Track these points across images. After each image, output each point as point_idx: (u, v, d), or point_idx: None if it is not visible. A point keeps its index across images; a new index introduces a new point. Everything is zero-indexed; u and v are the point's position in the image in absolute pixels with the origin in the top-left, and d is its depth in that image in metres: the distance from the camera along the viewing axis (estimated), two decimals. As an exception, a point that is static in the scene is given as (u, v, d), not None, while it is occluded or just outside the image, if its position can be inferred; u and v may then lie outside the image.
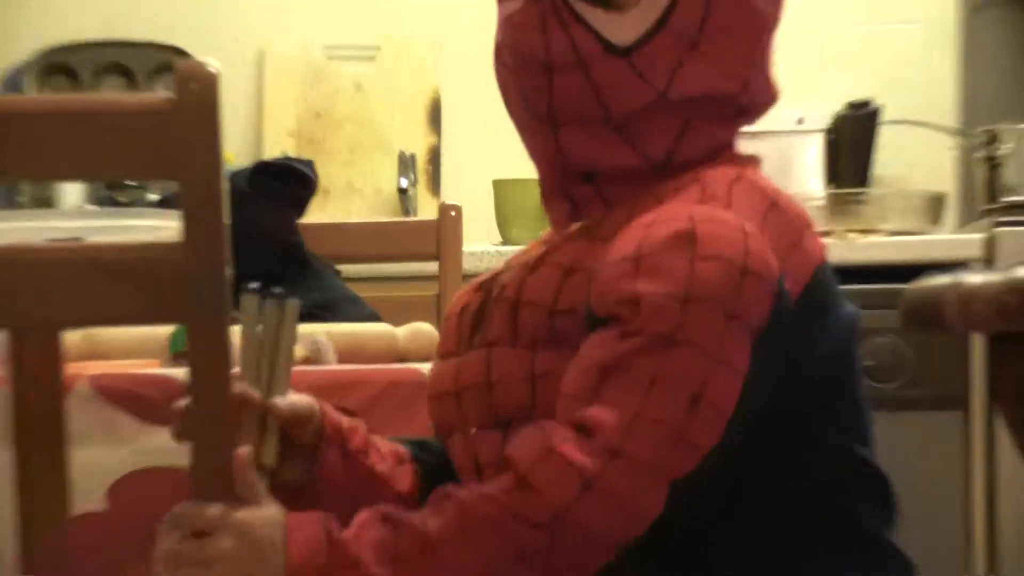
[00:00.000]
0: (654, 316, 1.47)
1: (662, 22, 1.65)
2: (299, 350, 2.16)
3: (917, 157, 4.56)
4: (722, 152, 1.73)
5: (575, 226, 1.71)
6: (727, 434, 1.51)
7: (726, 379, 1.51)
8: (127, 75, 4.55)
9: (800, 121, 4.27)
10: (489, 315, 1.69)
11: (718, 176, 1.65)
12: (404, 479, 1.79)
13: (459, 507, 1.52)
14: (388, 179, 4.56)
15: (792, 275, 1.57)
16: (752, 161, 1.72)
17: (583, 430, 1.50)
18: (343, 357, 2.28)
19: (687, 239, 1.55)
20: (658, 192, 1.66)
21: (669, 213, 1.61)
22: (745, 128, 1.81)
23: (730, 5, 1.67)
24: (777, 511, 1.64)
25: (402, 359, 2.30)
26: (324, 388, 2.03)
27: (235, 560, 1.54)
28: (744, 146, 1.79)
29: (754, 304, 1.50)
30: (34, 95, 4.45)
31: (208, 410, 1.55)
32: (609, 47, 1.65)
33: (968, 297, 1.26)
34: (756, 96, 1.73)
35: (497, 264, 1.89)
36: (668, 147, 1.68)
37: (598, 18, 1.66)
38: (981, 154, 4.37)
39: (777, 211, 1.63)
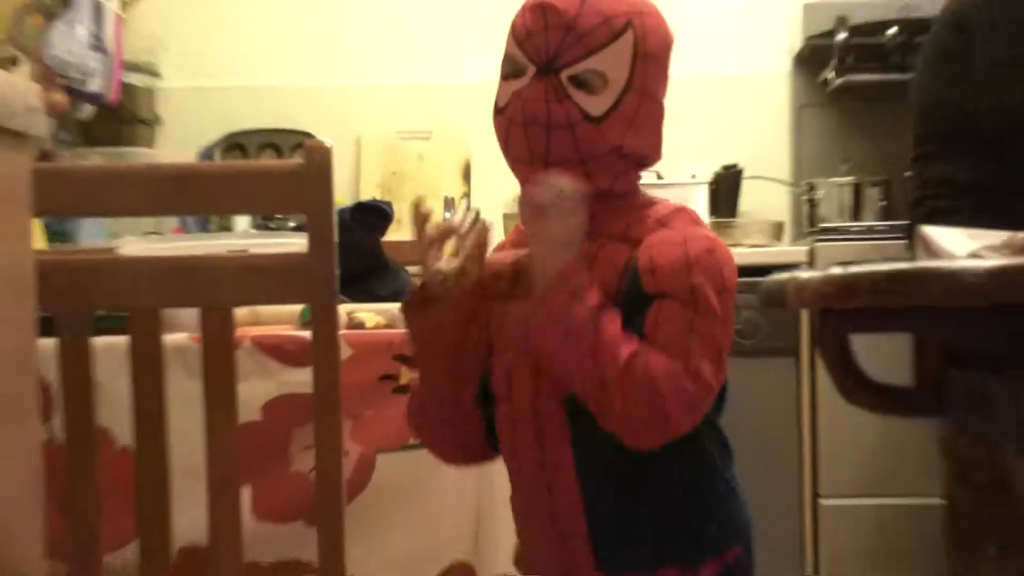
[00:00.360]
0: (707, 299, 1.67)
1: (616, 105, 1.77)
2: (381, 319, 2.36)
3: (766, 199, 4.97)
4: (636, 189, 1.88)
5: None
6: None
7: (730, 344, 1.75)
8: (277, 149, 5.04)
9: (693, 176, 4.56)
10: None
11: (686, 210, 1.85)
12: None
13: (629, 348, 1.68)
14: (437, 212, 4.92)
15: None
16: None
17: (688, 369, 1.67)
18: None
19: (713, 252, 1.74)
20: (642, 216, 1.81)
21: (694, 233, 1.77)
22: (660, 180, 1.97)
23: (649, 100, 1.81)
24: (692, 445, 1.79)
25: None
26: (397, 342, 2.23)
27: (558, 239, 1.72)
28: (659, 192, 1.98)
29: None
30: (219, 162, 4.93)
31: (324, 353, 1.74)
32: (587, 116, 1.76)
33: (800, 287, 1.28)
34: (655, 157, 1.88)
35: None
36: (610, 183, 1.80)
37: (581, 98, 1.76)
38: (805, 197, 4.86)
39: None
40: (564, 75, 1.77)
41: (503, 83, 1.85)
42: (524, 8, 1.82)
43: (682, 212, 1.85)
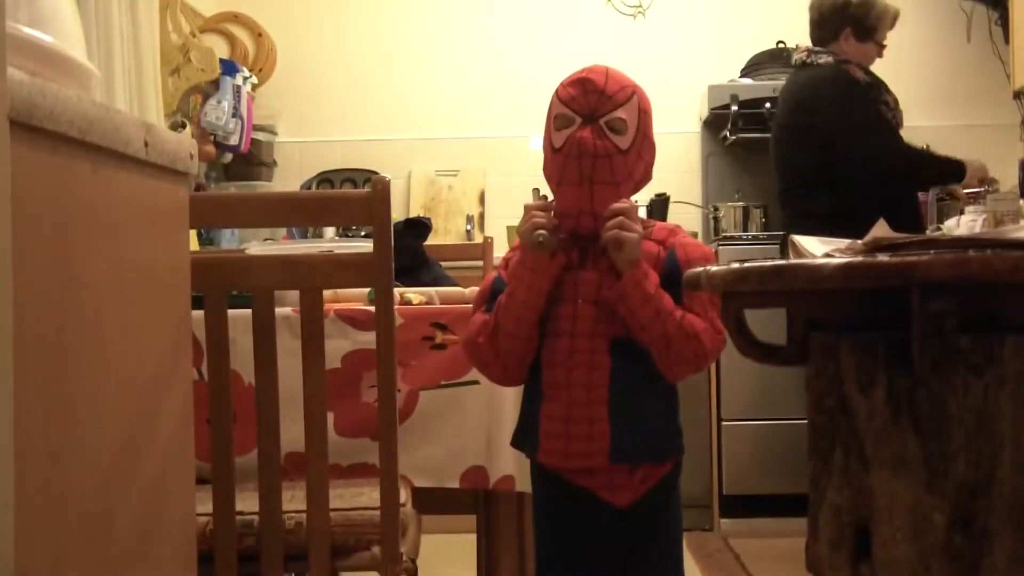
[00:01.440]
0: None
1: (632, 143, 1.85)
2: (423, 298, 2.33)
3: (686, 216, 4.92)
4: None
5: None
6: None
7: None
8: (353, 182, 4.98)
9: (635, 201, 4.44)
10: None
11: (678, 226, 1.98)
12: None
13: (679, 314, 1.79)
14: (461, 225, 4.97)
15: None
16: None
17: (714, 328, 1.80)
18: (442, 301, 2.39)
19: (713, 254, 1.92)
20: (653, 227, 1.93)
21: (699, 242, 1.96)
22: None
23: (649, 142, 1.90)
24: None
25: (467, 302, 2.30)
26: (433, 314, 2.24)
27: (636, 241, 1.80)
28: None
29: None
30: (315, 191, 4.90)
31: (384, 321, 1.73)
32: (619, 150, 1.84)
33: (711, 276, 1.27)
34: (649, 180, 1.96)
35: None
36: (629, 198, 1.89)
37: (613, 137, 1.83)
38: (711, 215, 4.84)
39: None
40: (602, 122, 1.84)
41: (556, 133, 1.87)
42: (566, 83, 1.87)
43: (679, 227, 1.98)
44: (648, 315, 1.79)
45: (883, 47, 3.73)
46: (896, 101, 3.63)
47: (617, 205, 1.81)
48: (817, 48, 3.68)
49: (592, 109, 1.84)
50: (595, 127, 1.83)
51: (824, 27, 3.69)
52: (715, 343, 1.82)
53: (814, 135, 3.57)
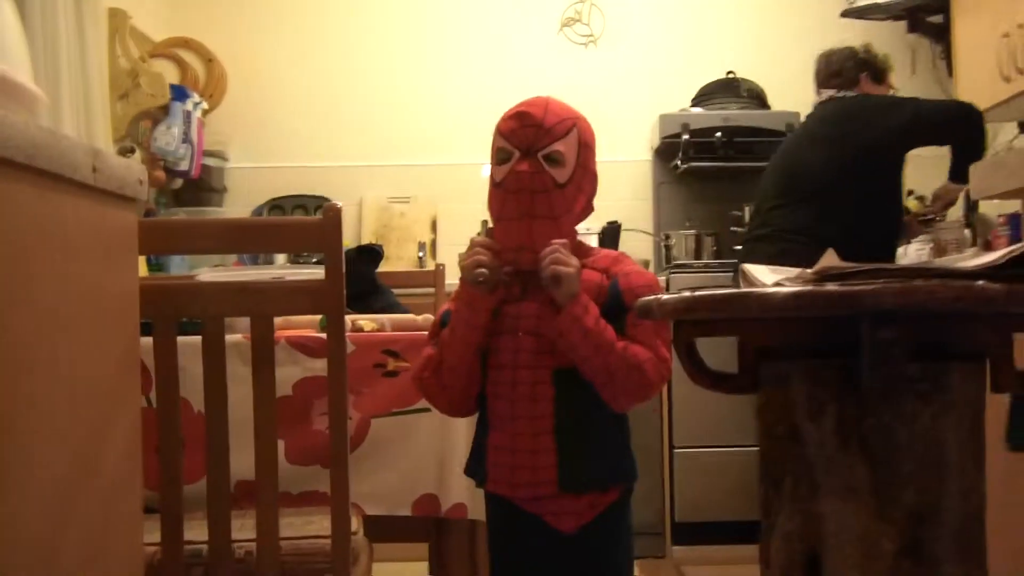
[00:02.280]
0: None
1: (571, 177, 1.85)
2: (375, 325, 2.32)
3: (637, 244, 4.96)
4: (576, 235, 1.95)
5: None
6: None
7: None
8: (305, 209, 4.95)
9: (588, 228, 4.53)
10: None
11: (624, 253, 1.98)
12: None
13: (621, 345, 1.79)
14: (413, 252, 4.95)
15: None
16: None
17: (659, 357, 1.81)
18: (394, 328, 2.39)
19: (656, 279, 1.89)
20: (597, 255, 1.93)
21: (643, 270, 1.91)
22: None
23: (590, 174, 1.90)
24: None
25: (419, 329, 2.35)
26: (385, 341, 2.23)
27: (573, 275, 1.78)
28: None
29: None
30: (265, 217, 4.89)
31: (335, 348, 1.72)
32: (556, 184, 1.84)
33: (662, 304, 1.28)
34: (589, 212, 1.95)
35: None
36: (570, 231, 1.89)
37: (552, 170, 1.83)
38: (663, 243, 4.84)
39: None
40: (540, 155, 1.83)
41: (496, 167, 1.88)
42: (506, 116, 1.87)
43: (624, 254, 1.98)
44: (588, 349, 1.79)
45: (893, 90, 3.94)
46: None
47: (553, 242, 1.81)
48: (843, 93, 3.81)
49: (530, 143, 1.83)
50: (533, 161, 1.83)
51: (841, 76, 3.85)
52: (659, 373, 1.82)
53: (869, 154, 3.62)
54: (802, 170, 3.70)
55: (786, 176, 3.76)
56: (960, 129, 3.66)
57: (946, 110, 3.70)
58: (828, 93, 3.82)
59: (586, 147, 1.88)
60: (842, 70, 3.84)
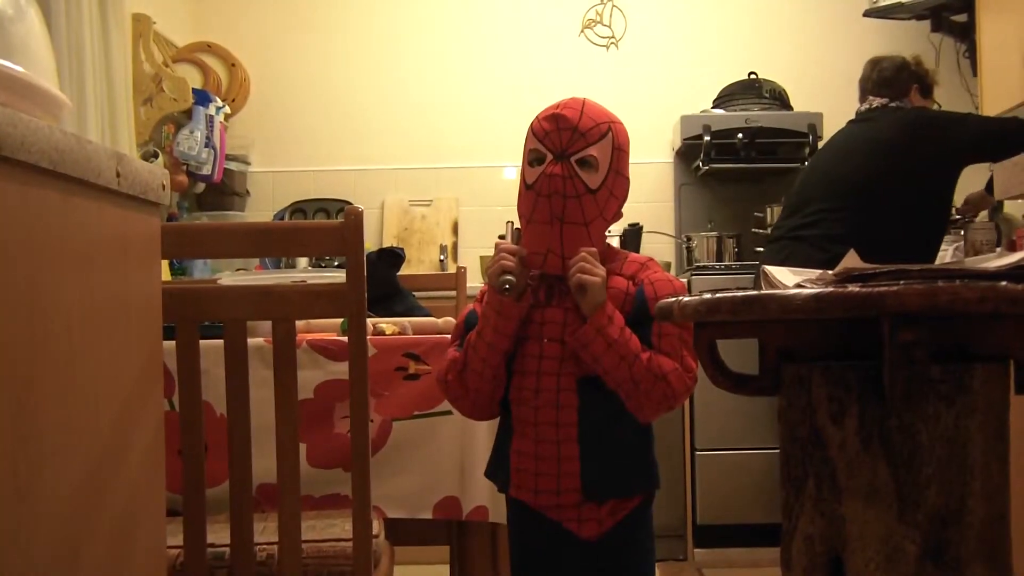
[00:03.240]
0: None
1: (603, 182, 1.83)
2: (396, 328, 2.31)
3: (659, 246, 4.93)
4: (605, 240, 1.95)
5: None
6: None
7: None
8: (327, 212, 4.96)
9: (609, 231, 4.43)
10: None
11: (652, 259, 1.95)
12: None
13: (646, 356, 1.79)
14: (434, 255, 4.93)
15: None
16: None
17: (684, 367, 1.81)
18: (415, 331, 2.36)
19: (684, 289, 1.87)
20: (626, 260, 1.92)
21: (670, 277, 1.89)
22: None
23: (622, 178, 1.88)
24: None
25: (440, 332, 2.34)
26: (407, 344, 2.24)
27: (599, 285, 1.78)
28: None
29: None
30: (287, 221, 4.94)
31: (357, 351, 1.71)
32: (588, 190, 1.83)
33: (683, 307, 1.29)
34: (619, 217, 1.95)
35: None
36: (600, 237, 1.87)
37: (584, 175, 1.82)
38: (684, 245, 4.83)
39: None
40: (573, 159, 1.81)
41: (529, 168, 1.86)
42: (541, 117, 1.86)
43: (652, 260, 1.95)
44: (612, 360, 1.78)
45: (937, 105, 3.96)
46: None
47: (582, 250, 1.80)
48: (896, 103, 3.80)
49: (564, 146, 1.82)
50: (566, 164, 1.81)
51: (891, 86, 3.83)
52: (684, 384, 1.81)
53: (922, 160, 3.63)
54: (858, 176, 3.69)
55: (835, 180, 3.73)
56: (1020, 146, 3.64)
57: (1008, 128, 3.68)
58: (879, 101, 3.80)
59: (620, 151, 1.86)
60: (894, 80, 3.84)
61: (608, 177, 1.85)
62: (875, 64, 3.88)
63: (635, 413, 1.84)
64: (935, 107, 3.94)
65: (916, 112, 3.75)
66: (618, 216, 1.93)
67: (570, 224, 1.82)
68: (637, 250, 4.67)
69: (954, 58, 4.90)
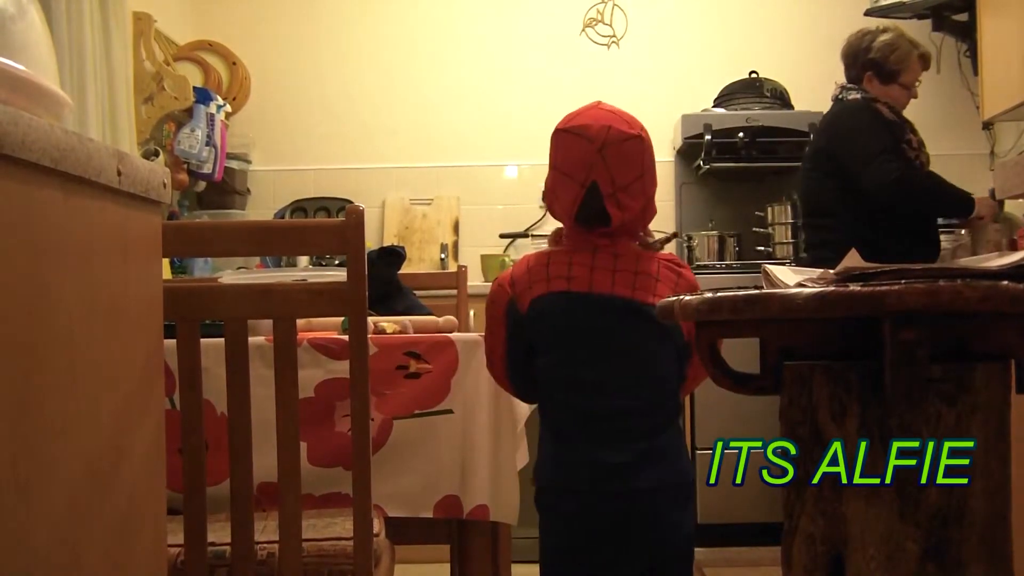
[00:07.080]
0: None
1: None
2: (397, 327, 2.31)
3: (666, 244, 4.89)
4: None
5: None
6: None
7: None
8: (327, 211, 4.96)
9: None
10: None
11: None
12: None
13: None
14: (435, 254, 4.93)
15: None
16: None
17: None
18: (416, 330, 2.36)
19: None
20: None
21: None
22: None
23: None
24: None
25: (441, 331, 2.36)
26: (407, 343, 2.24)
27: None
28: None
29: None
30: (288, 219, 4.95)
31: (357, 350, 1.71)
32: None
33: (684, 306, 1.30)
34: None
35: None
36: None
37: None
38: (685, 244, 4.77)
39: None
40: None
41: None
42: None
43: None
44: None
45: (911, 89, 3.75)
46: (921, 143, 3.65)
47: None
48: (850, 85, 3.74)
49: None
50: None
51: (850, 69, 3.78)
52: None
53: (832, 161, 3.59)
54: (803, 189, 3.80)
55: (799, 195, 3.82)
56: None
57: (899, 192, 3.49)
58: (836, 90, 3.78)
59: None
60: (851, 65, 3.78)
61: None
62: (844, 47, 3.82)
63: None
64: (905, 93, 3.72)
65: (838, 111, 3.70)
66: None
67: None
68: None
69: (955, 57, 4.90)
